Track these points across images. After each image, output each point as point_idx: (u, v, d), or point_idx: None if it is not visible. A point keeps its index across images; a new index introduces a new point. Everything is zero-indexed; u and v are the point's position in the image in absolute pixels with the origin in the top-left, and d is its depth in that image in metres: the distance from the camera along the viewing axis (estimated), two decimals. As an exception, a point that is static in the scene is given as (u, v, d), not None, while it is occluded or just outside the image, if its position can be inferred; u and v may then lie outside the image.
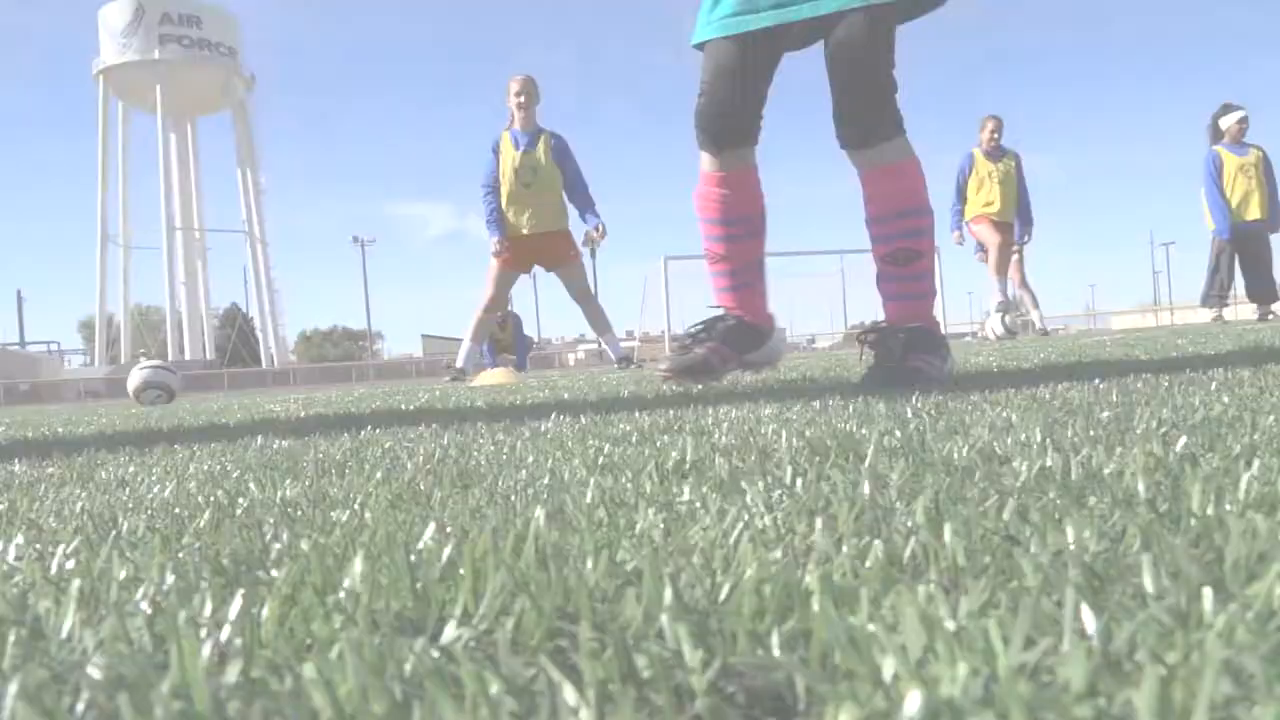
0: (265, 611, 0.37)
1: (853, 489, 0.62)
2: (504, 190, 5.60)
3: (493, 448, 1.11)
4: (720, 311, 2.39)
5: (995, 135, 7.56)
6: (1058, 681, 0.26)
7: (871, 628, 0.31)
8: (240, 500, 0.79)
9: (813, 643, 0.31)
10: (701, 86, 2.21)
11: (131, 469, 1.18)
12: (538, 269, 5.93)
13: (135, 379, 6.02)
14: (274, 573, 0.47)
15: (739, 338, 2.35)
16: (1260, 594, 0.32)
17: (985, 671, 0.27)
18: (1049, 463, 0.65)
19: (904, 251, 2.10)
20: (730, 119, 2.20)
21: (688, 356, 2.32)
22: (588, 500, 0.65)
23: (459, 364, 5.95)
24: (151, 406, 5.50)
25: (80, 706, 0.30)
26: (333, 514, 0.67)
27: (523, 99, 5.59)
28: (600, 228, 5.79)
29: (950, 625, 0.30)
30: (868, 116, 2.07)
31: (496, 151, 5.64)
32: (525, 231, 5.64)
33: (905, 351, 2.00)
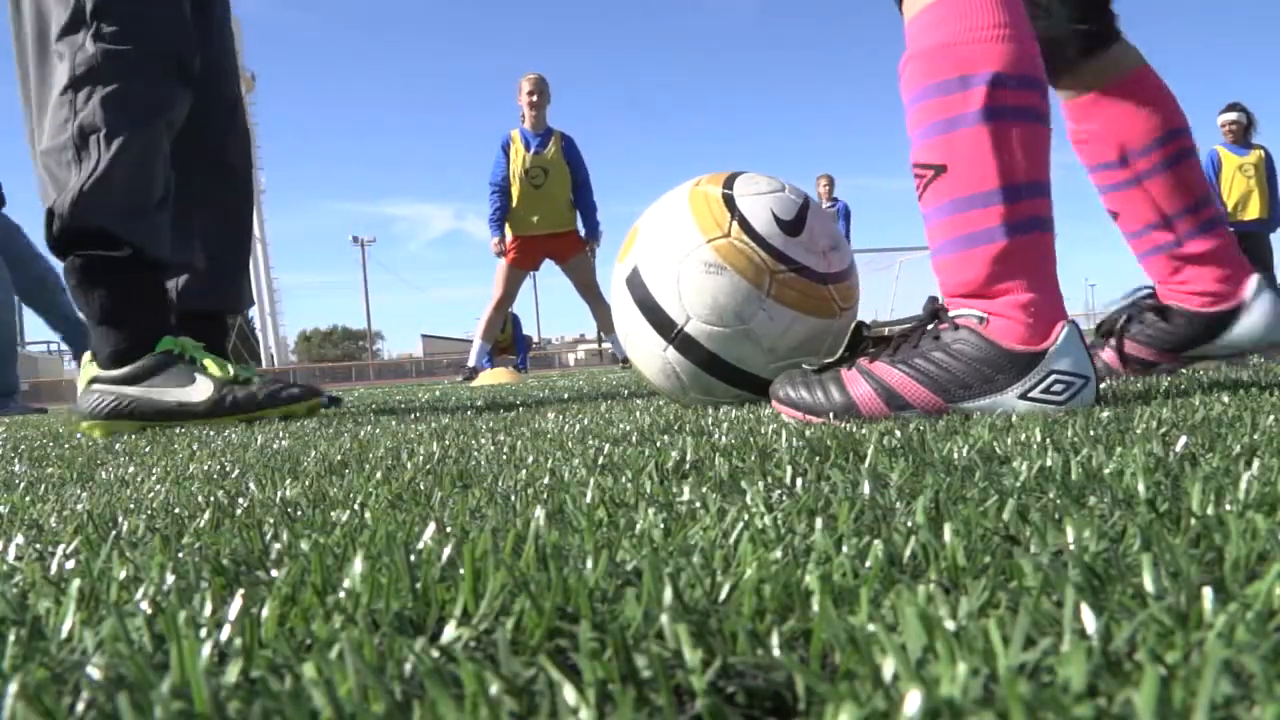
0: (265, 611, 0.37)
1: (853, 489, 0.62)
2: (514, 191, 5.61)
3: (493, 448, 1.11)
4: (1145, 290, 1.67)
5: None
6: (1058, 681, 0.26)
7: (871, 628, 0.31)
8: (240, 500, 0.79)
9: (813, 643, 0.31)
10: None
11: (131, 469, 1.18)
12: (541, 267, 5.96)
13: None
14: (274, 573, 0.47)
15: (1165, 330, 1.62)
16: (1260, 594, 0.32)
17: (985, 671, 0.27)
18: (1049, 463, 0.65)
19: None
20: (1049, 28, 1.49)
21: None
22: (588, 500, 0.65)
23: (471, 363, 6.00)
24: None
25: (80, 706, 0.30)
26: (333, 514, 0.67)
27: (535, 98, 5.59)
28: (593, 245, 5.83)
29: (950, 625, 0.30)
30: None
31: (507, 150, 5.64)
32: (535, 232, 5.66)
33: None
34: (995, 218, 1.09)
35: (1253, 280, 1.58)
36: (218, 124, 2.37)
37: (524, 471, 0.85)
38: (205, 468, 1.12)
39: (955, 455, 0.74)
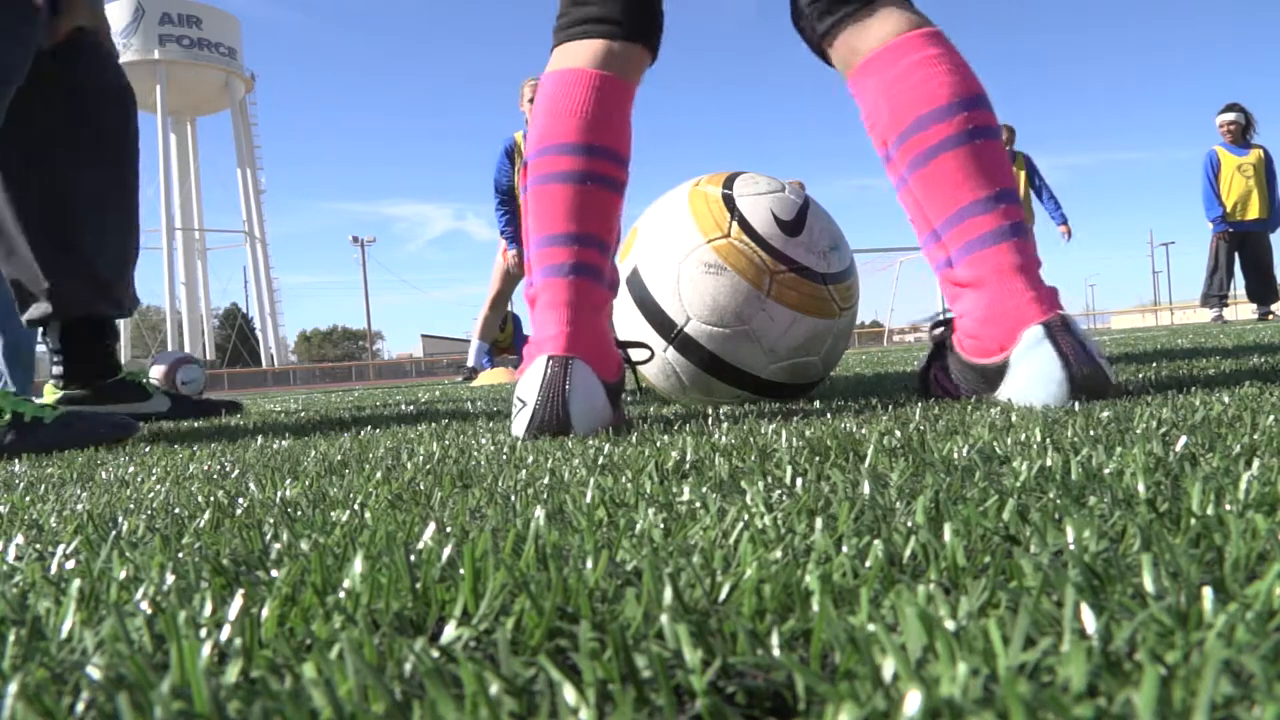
0: (265, 611, 0.37)
1: (853, 489, 0.62)
2: (516, 196, 5.61)
3: (493, 448, 1.11)
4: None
5: (1008, 142, 7.64)
6: (1058, 681, 0.26)
7: (871, 628, 0.31)
8: (240, 500, 0.79)
9: (813, 643, 0.31)
10: None
11: (131, 469, 1.18)
12: None
13: (166, 360, 5.85)
14: (274, 573, 0.47)
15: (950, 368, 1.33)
16: (1260, 594, 0.32)
17: (985, 671, 0.27)
18: (1049, 463, 0.65)
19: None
20: None
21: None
22: (588, 500, 0.65)
23: (470, 363, 6.01)
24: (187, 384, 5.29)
25: (80, 706, 0.30)
26: (333, 514, 0.67)
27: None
28: None
29: (950, 625, 0.30)
30: None
31: (510, 155, 5.62)
32: None
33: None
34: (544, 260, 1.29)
35: (1029, 330, 1.10)
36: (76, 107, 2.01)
37: (524, 471, 0.85)
38: (205, 468, 1.12)
39: (955, 455, 0.74)
